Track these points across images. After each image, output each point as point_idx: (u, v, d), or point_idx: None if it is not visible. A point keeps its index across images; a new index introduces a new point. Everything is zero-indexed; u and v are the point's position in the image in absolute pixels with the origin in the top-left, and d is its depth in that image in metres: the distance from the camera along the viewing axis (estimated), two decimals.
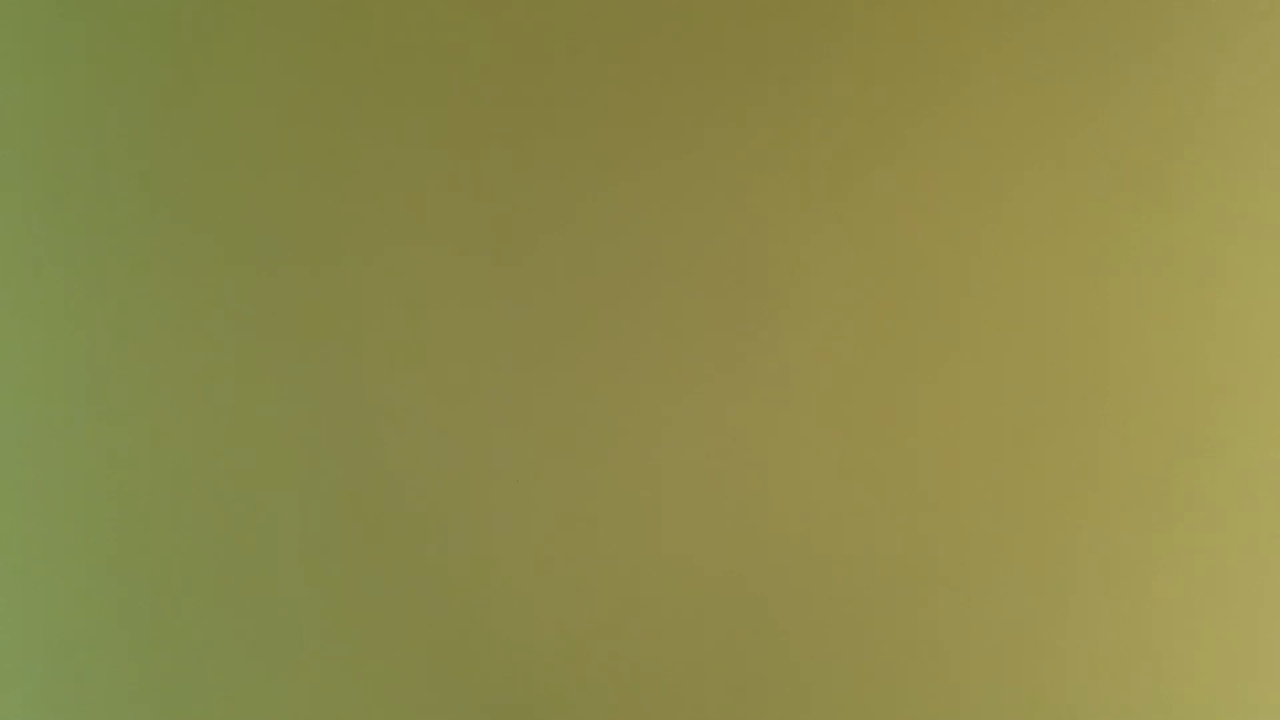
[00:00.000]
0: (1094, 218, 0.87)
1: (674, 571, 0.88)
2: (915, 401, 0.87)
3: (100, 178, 0.89)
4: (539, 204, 0.88)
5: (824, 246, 0.88)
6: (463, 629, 0.88)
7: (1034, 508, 0.86)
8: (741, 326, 0.88)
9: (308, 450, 0.88)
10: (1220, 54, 0.87)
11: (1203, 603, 0.86)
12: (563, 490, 0.88)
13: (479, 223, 0.89)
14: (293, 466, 0.88)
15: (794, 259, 0.88)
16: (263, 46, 0.89)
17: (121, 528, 0.88)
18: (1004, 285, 0.87)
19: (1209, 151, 0.87)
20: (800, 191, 0.88)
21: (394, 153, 0.89)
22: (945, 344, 0.87)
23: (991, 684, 0.86)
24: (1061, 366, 0.87)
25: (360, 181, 0.89)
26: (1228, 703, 0.85)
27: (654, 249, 0.88)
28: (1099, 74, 0.87)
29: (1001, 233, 0.87)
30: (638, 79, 0.88)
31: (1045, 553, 0.86)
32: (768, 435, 0.87)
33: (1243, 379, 0.86)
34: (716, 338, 0.88)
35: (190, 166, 0.89)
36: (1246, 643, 0.85)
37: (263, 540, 0.88)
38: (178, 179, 0.89)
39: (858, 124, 0.88)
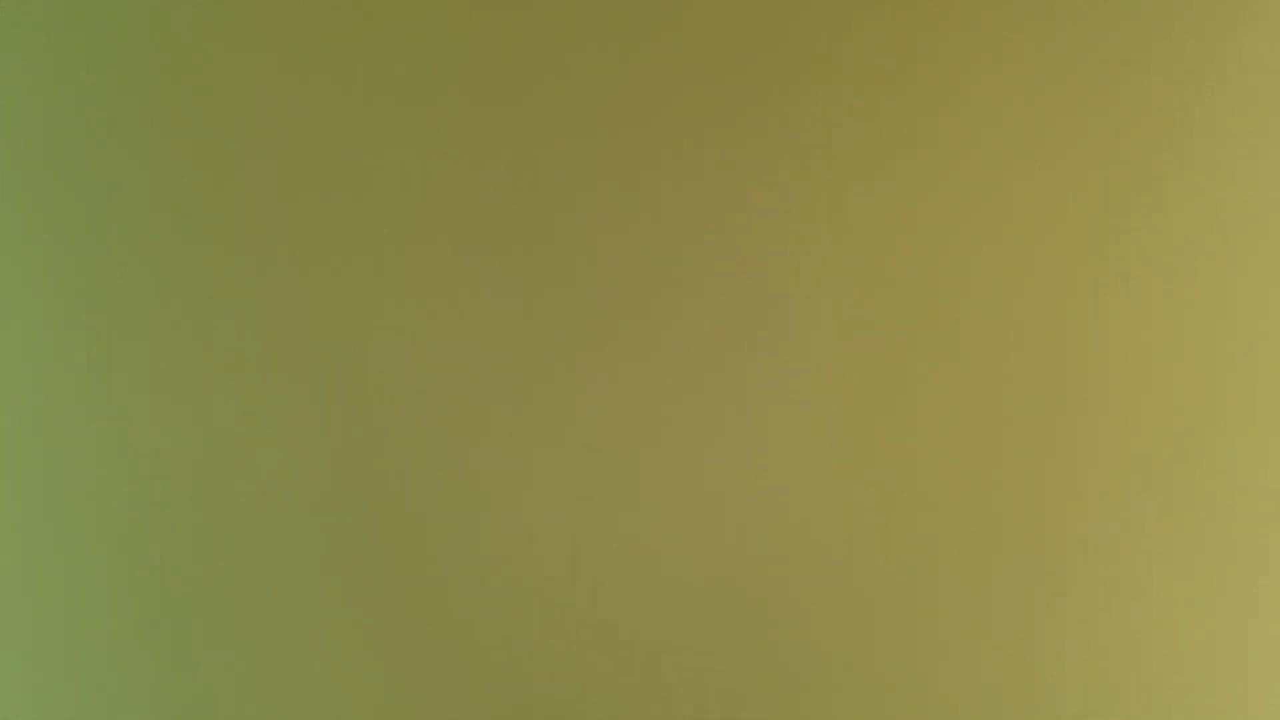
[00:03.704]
0: (1094, 218, 0.87)
1: (675, 570, 0.88)
2: (914, 401, 0.87)
3: (102, 179, 0.89)
4: (539, 205, 0.88)
5: (824, 246, 0.88)
6: (463, 627, 0.88)
7: (1034, 507, 0.86)
8: (740, 326, 0.88)
9: (309, 449, 0.88)
10: (1221, 55, 0.86)
11: (1202, 602, 0.86)
12: (562, 489, 0.88)
13: (479, 224, 0.89)
14: (294, 464, 0.88)
15: (793, 259, 0.88)
16: (264, 49, 0.89)
17: (123, 527, 0.89)
18: (1004, 286, 0.87)
19: (1209, 153, 0.86)
20: (800, 191, 0.88)
21: (394, 154, 0.89)
22: (945, 345, 0.87)
23: (991, 683, 0.86)
24: (1061, 366, 0.87)
25: (360, 183, 0.89)
26: (1227, 702, 0.85)
27: (654, 249, 0.88)
28: (1099, 76, 0.87)
29: (1002, 233, 0.87)
30: (637, 80, 0.88)
31: (1045, 553, 0.86)
32: (766, 434, 0.87)
33: (1242, 380, 0.86)
34: (715, 337, 0.88)
35: (191, 168, 0.89)
36: (1246, 642, 0.85)
37: (263, 538, 0.88)
38: (179, 180, 0.89)
39: (858, 124, 0.88)
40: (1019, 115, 0.87)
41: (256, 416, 0.88)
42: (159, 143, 0.89)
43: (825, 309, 0.87)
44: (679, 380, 0.88)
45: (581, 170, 0.88)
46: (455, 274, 0.88)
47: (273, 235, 0.89)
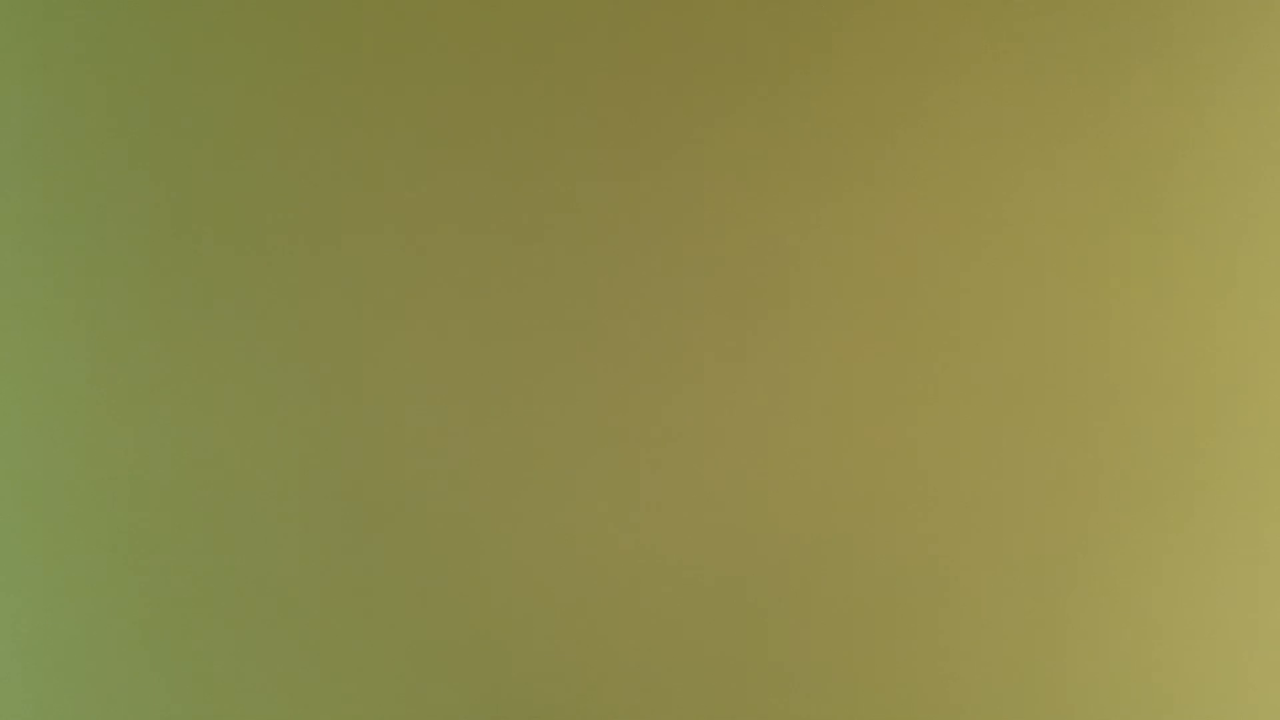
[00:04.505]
0: (1094, 218, 0.87)
1: (675, 571, 0.88)
2: (915, 401, 0.87)
3: (100, 170, 0.89)
4: (539, 203, 0.88)
5: (825, 245, 0.88)
6: (463, 626, 0.88)
7: (1034, 507, 0.86)
8: (741, 324, 0.88)
9: (308, 443, 0.88)
10: (1220, 57, 0.87)
11: (1203, 603, 0.86)
12: (563, 488, 0.88)
13: (480, 223, 0.89)
14: (293, 461, 0.88)
15: (794, 258, 0.88)
16: (263, 41, 0.89)
17: (121, 525, 0.88)
18: (1003, 286, 0.87)
19: (1209, 154, 0.87)
20: (802, 190, 0.88)
21: (394, 150, 0.89)
22: (945, 344, 0.87)
23: (992, 683, 0.86)
24: (1061, 366, 0.87)
25: (360, 179, 0.89)
26: (1228, 703, 0.85)
27: (655, 244, 0.88)
28: (1099, 75, 0.87)
29: (1001, 233, 0.87)
30: (638, 76, 0.88)
31: (1046, 553, 0.86)
32: (767, 434, 0.87)
33: (1242, 380, 0.86)
34: (716, 335, 0.88)
35: (189, 164, 0.89)
36: (1247, 643, 0.85)
37: (263, 536, 0.88)
38: (178, 170, 0.89)
39: (859, 123, 0.88)
40: (1019, 116, 0.87)
41: (256, 414, 0.88)
42: (157, 138, 0.89)
43: (827, 308, 0.87)
44: (680, 378, 0.88)
45: (581, 167, 0.88)
46: (456, 273, 0.88)
47: (273, 231, 0.89)
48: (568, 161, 0.88)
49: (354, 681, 0.88)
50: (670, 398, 0.88)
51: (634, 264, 0.88)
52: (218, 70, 0.89)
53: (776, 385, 0.87)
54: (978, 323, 0.87)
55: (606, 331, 0.88)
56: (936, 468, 0.87)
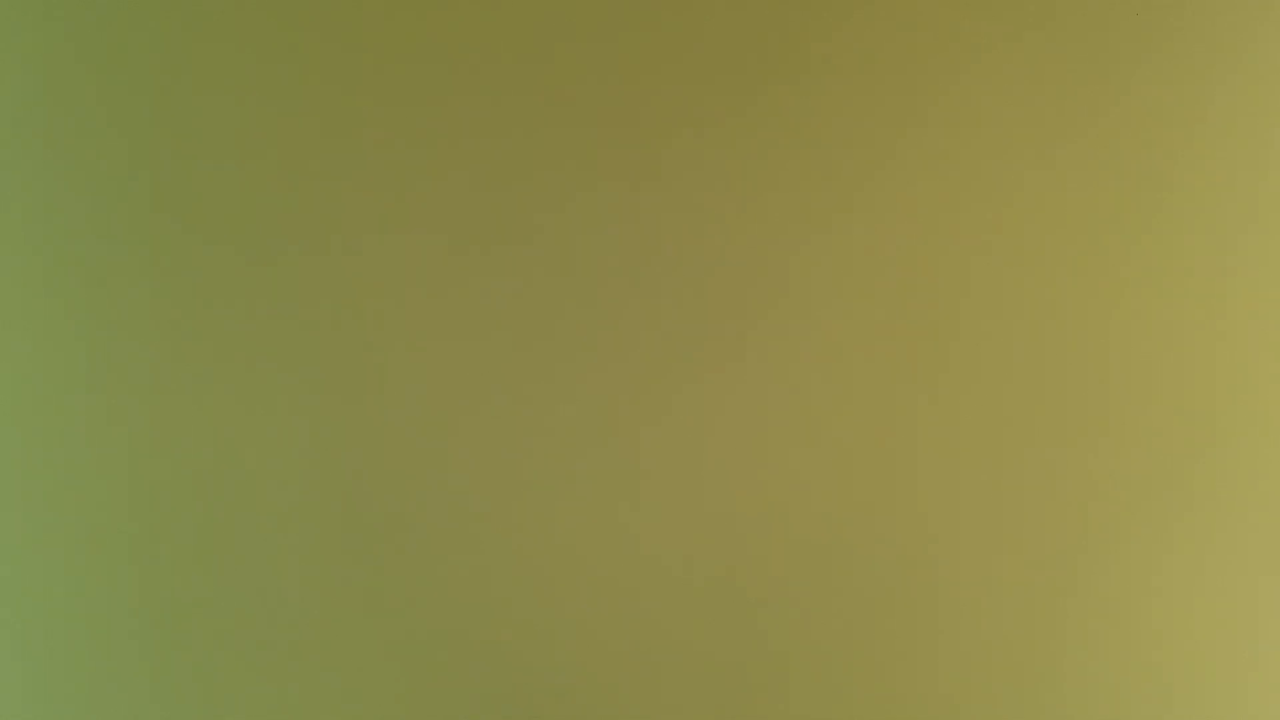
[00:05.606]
0: (1094, 219, 0.87)
1: (675, 570, 0.88)
2: (914, 401, 0.87)
3: (100, 170, 0.89)
4: (535, 200, 0.88)
5: (823, 245, 0.88)
6: (462, 626, 0.88)
7: (1034, 507, 0.86)
8: (738, 325, 0.88)
9: (304, 447, 0.88)
10: (1220, 57, 0.87)
11: (1203, 602, 0.86)
12: (563, 488, 0.88)
13: (480, 222, 0.89)
14: (293, 460, 0.88)
15: (792, 258, 0.88)
16: (261, 44, 0.89)
17: (120, 527, 0.88)
18: (1003, 287, 0.87)
19: (1209, 154, 0.87)
20: (799, 190, 0.88)
21: (392, 150, 0.89)
22: (945, 344, 0.87)
23: (991, 684, 0.86)
24: (1061, 367, 0.87)
25: (360, 179, 0.89)
26: (1228, 703, 0.85)
27: (650, 245, 0.88)
28: (1099, 75, 0.87)
29: (1001, 234, 0.87)
30: (634, 74, 0.88)
31: (1045, 553, 0.86)
32: (767, 433, 0.87)
33: (1242, 380, 0.86)
34: (715, 334, 0.88)
35: (185, 162, 0.89)
36: (1247, 642, 0.85)
37: (263, 535, 0.88)
38: (172, 174, 0.89)
39: (859, 123, 0.88)
40: (1019, 115, 0.87)
41: (256, 415, 0.88)
42: (155, 138, 0.89)
43: (826, 308, 0.87)
44: (679, 379, 0.88)
45: (580, 167, 0.88)
46: (456, 272, 0.88)
47: (274, 233, 0.89)
48: (566, 163, 0.88)
49: (354, 682, 0.88)
50: (670, 399, 0.88)
51: (633, 265, 0.88)
52: (217, 73, 0.89)
53: (776, 386, 0.87)
54: (978, 323, 0.87)
55: (606, 332, 0.88)
56: (936, 468, 0.87)
